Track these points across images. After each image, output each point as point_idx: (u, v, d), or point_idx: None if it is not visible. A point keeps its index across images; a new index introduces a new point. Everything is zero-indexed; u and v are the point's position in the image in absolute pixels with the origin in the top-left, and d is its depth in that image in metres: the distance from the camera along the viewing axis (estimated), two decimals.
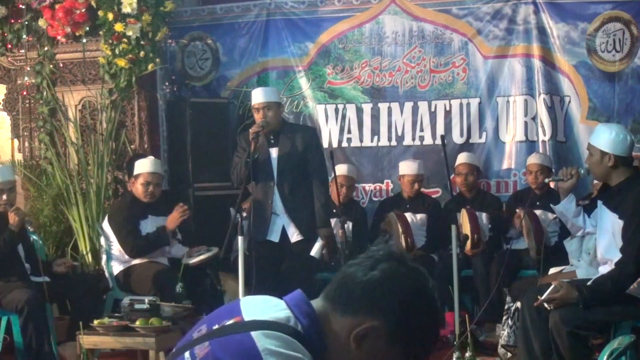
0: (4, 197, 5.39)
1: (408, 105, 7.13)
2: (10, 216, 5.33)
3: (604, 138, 4.23)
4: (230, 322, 1.59)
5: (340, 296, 1.63)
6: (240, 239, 4.82)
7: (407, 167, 6.67)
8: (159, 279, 5.65)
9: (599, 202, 4.39)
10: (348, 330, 1.60)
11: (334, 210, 6.03)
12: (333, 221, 5.99)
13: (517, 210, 6.19)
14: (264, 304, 1.65)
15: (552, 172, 6.27)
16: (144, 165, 5.97)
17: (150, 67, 6.68)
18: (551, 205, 4.86)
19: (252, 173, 5.52)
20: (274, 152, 5.75)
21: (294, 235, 5.73)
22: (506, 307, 5.22)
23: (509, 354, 4.97)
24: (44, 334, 5.12)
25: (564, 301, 4.11)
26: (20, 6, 6.93)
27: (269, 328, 1.54)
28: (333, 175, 6.17)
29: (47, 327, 5.19)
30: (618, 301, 4.15)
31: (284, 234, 5.74)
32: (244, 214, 5.51)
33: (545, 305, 4.15)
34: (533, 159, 6.45)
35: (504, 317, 5.13)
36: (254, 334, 1.52)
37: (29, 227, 5.82)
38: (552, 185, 5.92)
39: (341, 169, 6.64)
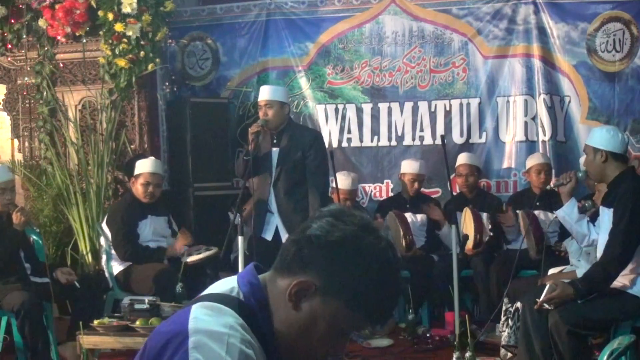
0: (8, 196, 5.38)
1: (408, 105, 7.13)
2: (16, 216, 5.31)
3: (597, 136, 4.37)
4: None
5: (279, 260, 1.62)
6: (240, 239, 4.82)
7: (408, 166, 6.68)
8: (159, 279, 5.65)
9: (600, 207, 4.42)
10: (285, 292, 1.57)
11: None
12: None
13: (518, 212, 6.20)
14: (221, 282, 1.68)
15: (552, 170, 6.29)
16: (144, 166, 5.98)
17: (150, 67, 6.68)
18: (553, 212, 4.90)
19: (252, 171, 5.51)
20: (275, 151, 5.74)
21: (285, 237, 5.69)
22: (504, 307, 5.22)
23: (509, 354, 4.96)
24: (41, 335, 5.10)
25: (562, 299, 4.12)
26: (20, 6, 6.93)
27: (210, 299, 1.58)
28: (333, 177, 6.15)
29: (43, 328, 5.16)
30: (617, 299, 4.16)
31: (277, 233, 5.72)
32: (244, 215, 5.51)
33: (546, 305, 4.16)
34: (533, 160, 6.45)
35: (503, 318, 5.13)
36: (194, 306, 1.57)
37: (34, 228, 5.80)
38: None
39: (345, 183, 6.50)
